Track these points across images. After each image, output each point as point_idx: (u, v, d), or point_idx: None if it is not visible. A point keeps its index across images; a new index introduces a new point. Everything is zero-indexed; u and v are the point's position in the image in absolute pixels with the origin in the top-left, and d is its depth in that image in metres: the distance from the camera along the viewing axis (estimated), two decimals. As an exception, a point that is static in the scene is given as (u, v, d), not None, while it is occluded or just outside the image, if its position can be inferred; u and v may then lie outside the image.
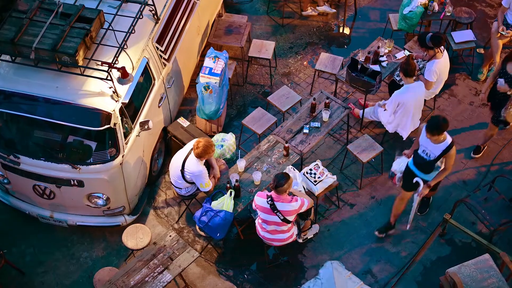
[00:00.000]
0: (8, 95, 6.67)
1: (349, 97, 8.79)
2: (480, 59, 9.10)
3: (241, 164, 7.23)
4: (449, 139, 6.44)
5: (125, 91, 6.73)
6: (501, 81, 7.25)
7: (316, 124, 7.61)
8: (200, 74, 7.84)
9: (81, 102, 6.53)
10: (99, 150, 6.85)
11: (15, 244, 7.57)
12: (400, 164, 7.00)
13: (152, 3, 7.11)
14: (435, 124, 6.31)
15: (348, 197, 7.86)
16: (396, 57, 8.22)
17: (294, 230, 6.85)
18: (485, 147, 8.12)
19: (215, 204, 6.89)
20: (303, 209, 6.54)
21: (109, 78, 6.43)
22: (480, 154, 8.11)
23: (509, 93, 7.24)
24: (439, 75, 7.78)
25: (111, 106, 6.57)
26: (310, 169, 7.29)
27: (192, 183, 7.11)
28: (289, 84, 8.93)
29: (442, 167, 6.63)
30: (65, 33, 6.40)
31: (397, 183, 7.07)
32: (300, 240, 7.33)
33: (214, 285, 7.22)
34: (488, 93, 7.66)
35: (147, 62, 7.11)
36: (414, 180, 6.67)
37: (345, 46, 9.50)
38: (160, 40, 7.40)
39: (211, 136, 7.87)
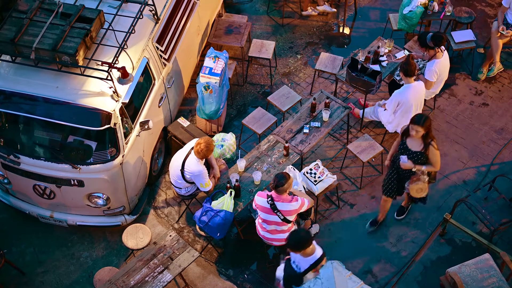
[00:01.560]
0: (9, 95, 6.66)
1: (349, 97, 8.79)
2: (480, 59, 9.10)
3: (241, 164, 7.22)
4: (318, 252, 5.74)
5: (125, 91, 6.72)
6: (403, 158, 6.61)
7: (316, 124, 7.61)
8: (200, 74, 7.83)
9: (81, 102, 6.53)
10: (99, 150, 6.84)
11: (15, 243, 7.57)
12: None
13: (152, 3, 7.11)
14: (295, 242, 5.62)
15: (348, 197, 7.86)
16: (396, 57, 8.22)
17: (294, 230, 6.84)
18: (409, 207, 7.62)
19: (215, 204, 6.89)
20: (303, 209, 6.53)
21: (109, 78, 6.42)
22: (403, 216, 7.60)
23: (414, 169, 6.63)
24: (439, 74, 7.78)
25: (111, 106, 6.57)
26: (310, 169, 7.29)
27: (192, 183, 7.11)
28: (289, 84, 8.93)
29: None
30: (65, 33, 6.40)
31: None
32: (300, 240, 7.32)
33: (214, 284, 7.22)
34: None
35: (147, 62, 7.11)
36: None
37: (345, 46, 9.50)
38: (160, 40, 7.40)
39: (211, 136, 7.87)
